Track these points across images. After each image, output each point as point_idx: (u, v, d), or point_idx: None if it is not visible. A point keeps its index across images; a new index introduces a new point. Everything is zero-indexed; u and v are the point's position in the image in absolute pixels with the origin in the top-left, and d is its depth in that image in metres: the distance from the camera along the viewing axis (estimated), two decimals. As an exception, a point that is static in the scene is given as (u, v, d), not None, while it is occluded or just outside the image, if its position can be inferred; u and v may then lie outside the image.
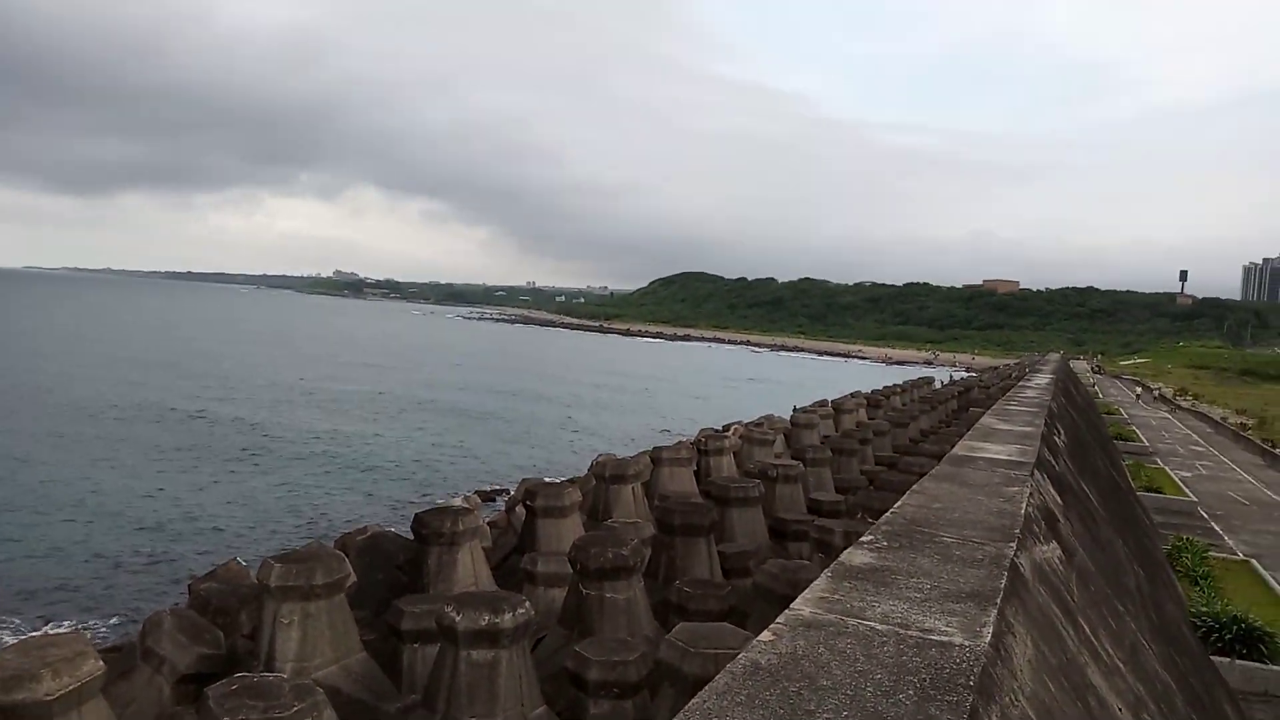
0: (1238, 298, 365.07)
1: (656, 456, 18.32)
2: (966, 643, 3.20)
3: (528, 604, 8.11)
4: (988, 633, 3.33)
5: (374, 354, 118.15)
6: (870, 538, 4.73)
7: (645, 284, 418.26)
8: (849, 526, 11.80)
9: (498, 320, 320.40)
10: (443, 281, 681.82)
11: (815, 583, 3.83)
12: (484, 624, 7.64)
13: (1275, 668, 14.92)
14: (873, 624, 3.33)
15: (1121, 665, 5.72)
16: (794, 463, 17.84)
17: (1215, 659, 14.70)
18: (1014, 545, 4.82)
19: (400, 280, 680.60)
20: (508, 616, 7.72)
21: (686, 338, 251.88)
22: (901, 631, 3.27)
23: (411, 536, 12.37)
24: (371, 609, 11.45)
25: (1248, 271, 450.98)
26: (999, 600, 3.76)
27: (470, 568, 11.58)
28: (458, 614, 7.70)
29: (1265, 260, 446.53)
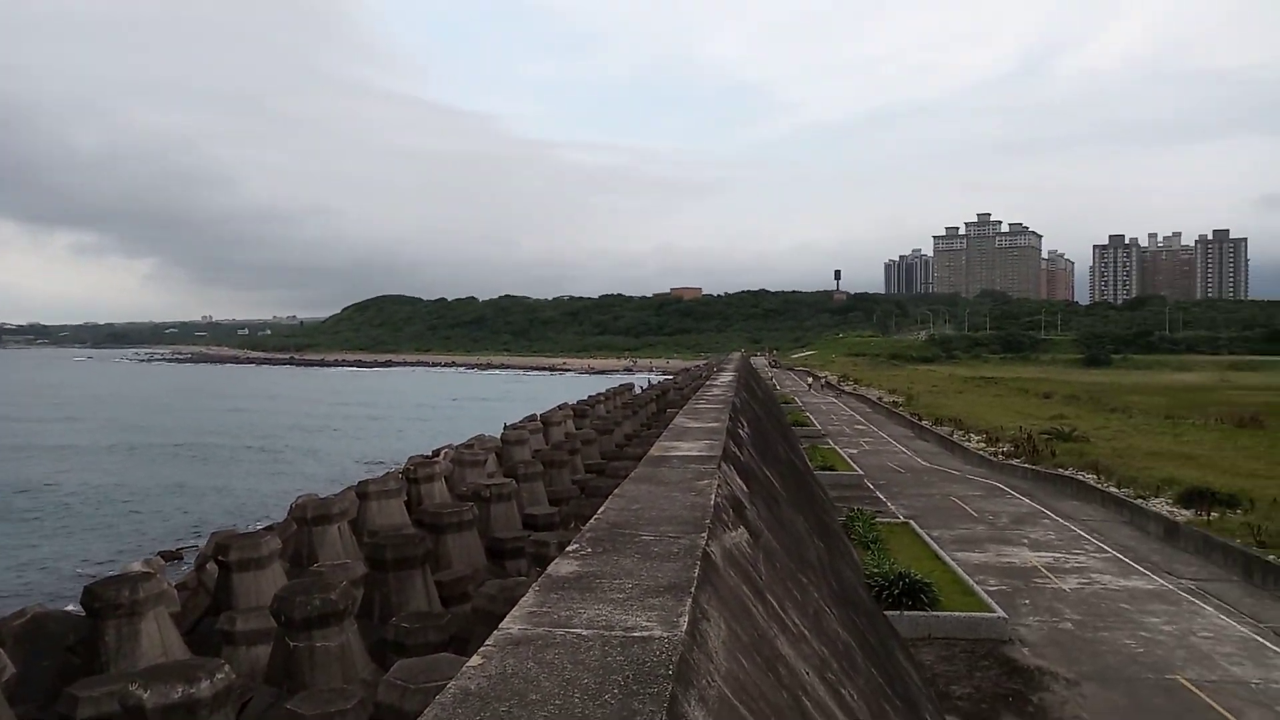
0: (883, 291, 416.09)
1: (363, 490, 17.64)
2: (665, 634, 3.42)
3: (227, 667, 7.51)
4: (684, 622, 3.58)
5: (26, 408, 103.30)
6: (575, 546, 4.90)
7: (339, 310, 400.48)
8: (563, 537, 12.06)
9: (171, 360, 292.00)
10: (101, 322, 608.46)
11: (523, 599, 3.91)
12: (178, 697, 6.97)
13: (934, 613, 17.16)
14: (579, 631, 3.46)
15: (807, 632, 6.34)
16: (506, 481, 17.92)
17: (887, 613, 16.64)
18: (705, 535, 5.20)
19: (48, 324, 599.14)
20: (205, 684, 7.09)
21: (389, 363, 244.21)
22: (607, 633, 3.43)
23: (83, 612, 10.99)
24: (38, 702, 10.03)
25: (888, 268, 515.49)
26: (693, 589, 4.05)
27: (157, 638, 10.48)
28: (145, 690, 6.95)
29: (901, 257, 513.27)
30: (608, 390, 51.38)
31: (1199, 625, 17.96)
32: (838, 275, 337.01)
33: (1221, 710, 13.84)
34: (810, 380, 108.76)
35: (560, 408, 38.40)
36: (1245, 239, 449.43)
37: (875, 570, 18.03)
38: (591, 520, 5.64)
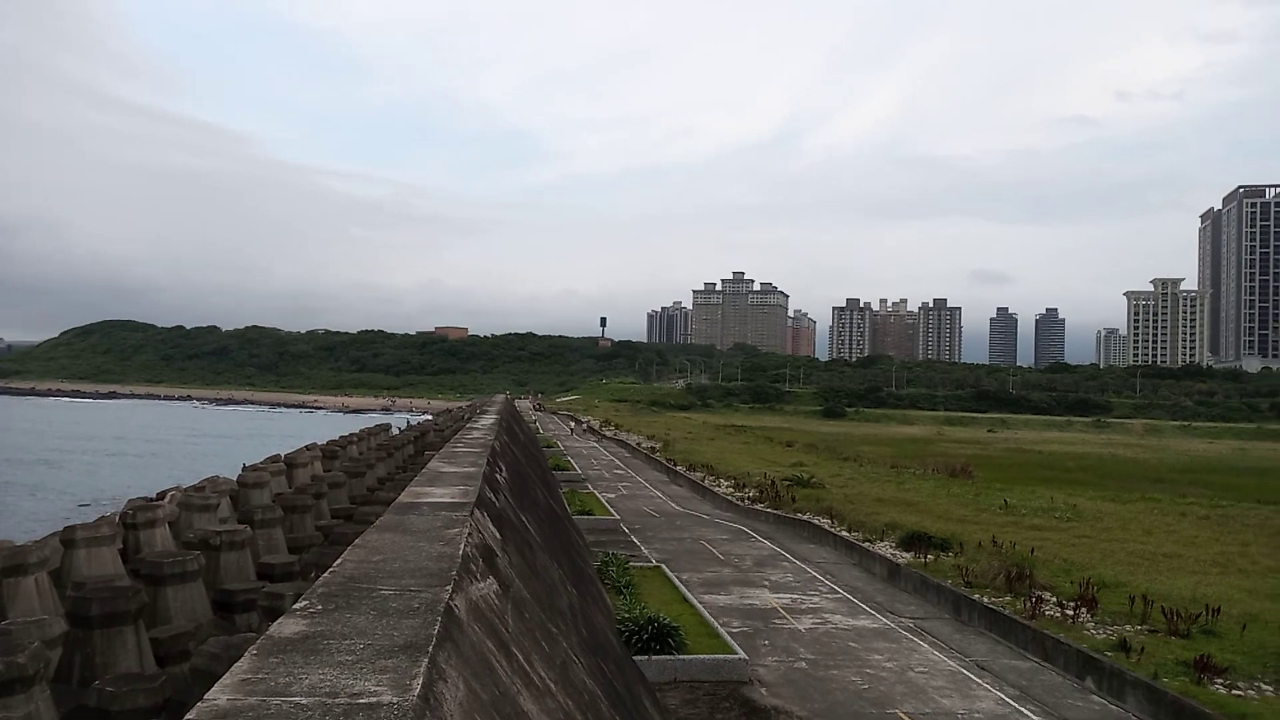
0: (645, 339, 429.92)
1: (69, 538, 15.66)
2: (395, 699, 3.18)
3: None
4: (418, 684, 3.36)
5: None
6: (304, 603, 4.53)
7: (56, 334, 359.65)
8: (300, 588, 11.25)
9: None
10: None
11: (237, 664, 3.53)
12: None
13: (680, 657, 17.57)
14: (299, 699, 3.15)
15: (553, 685, 6.22)
16: (240, 527, 16.55)
17: (637, 659, 16.83)
18: (450, 588, 4.97)
19: None
20: None
21: (114, 394, 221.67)
22: (329, 701, 3.14)
23: None
24: None
25: (651, 317, 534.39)
26: (431, 648, 3.83)
27: None
28: None
29: (663, 308, 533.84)
30: (362, 430, 49.21)
31: (916, 661, 19.55)
32: (603, 322, 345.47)
33: (932, 739, 15.05)
34: (573, 424, 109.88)
35: (308, 448, 36.22)
36: (960, 308, 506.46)
37: (626, 615, 18.24)
38: (325, 574, 5.25)
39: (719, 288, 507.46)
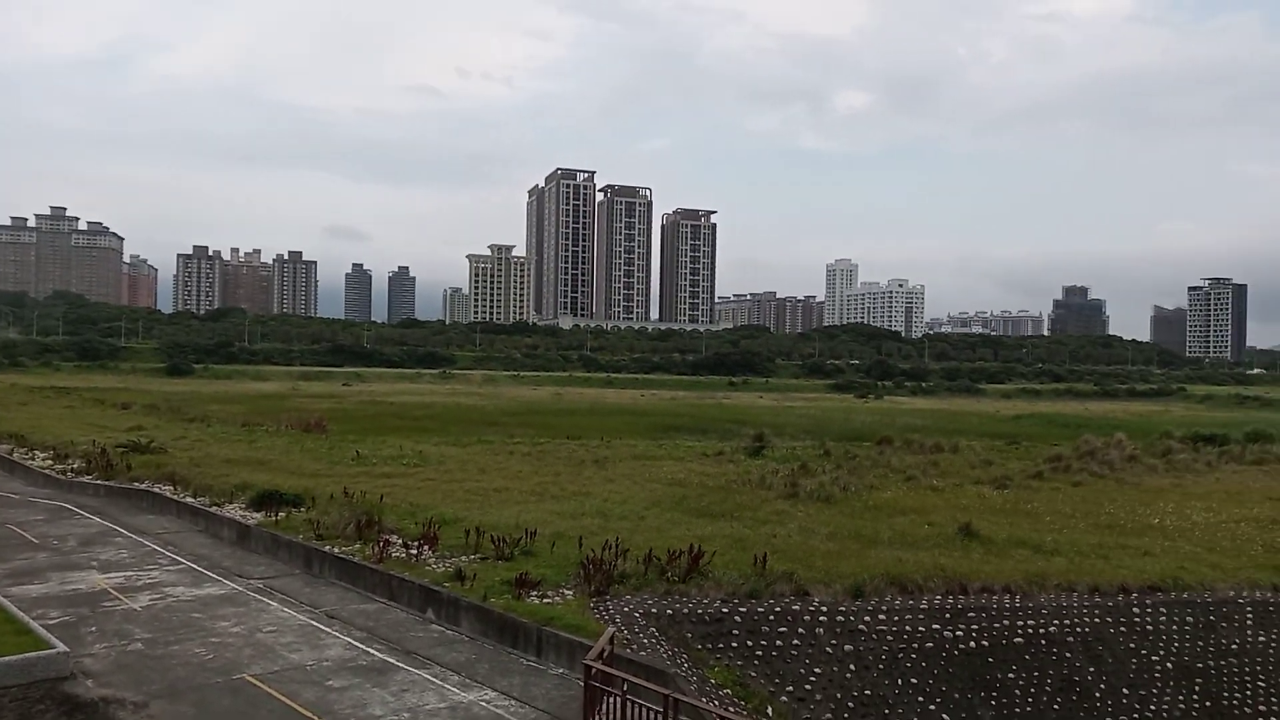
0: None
1: None
2: None
3: None
4: None
5: None
6: None
7: None
8: None
9: None
10: None
11: None
12: None
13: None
14: None
15: None
16: None
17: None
18: None
19: None
20: None
21: None
22: None
23: None
24: None
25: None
26: None
27: None
28: None
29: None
30: None
31: (265, 621, 19.17)
32: None
33: (282, 698, 14.94)
34: None
35: None
36: (315, 262, 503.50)
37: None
38: None
39: (32, 224, 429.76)
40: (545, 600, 18.95)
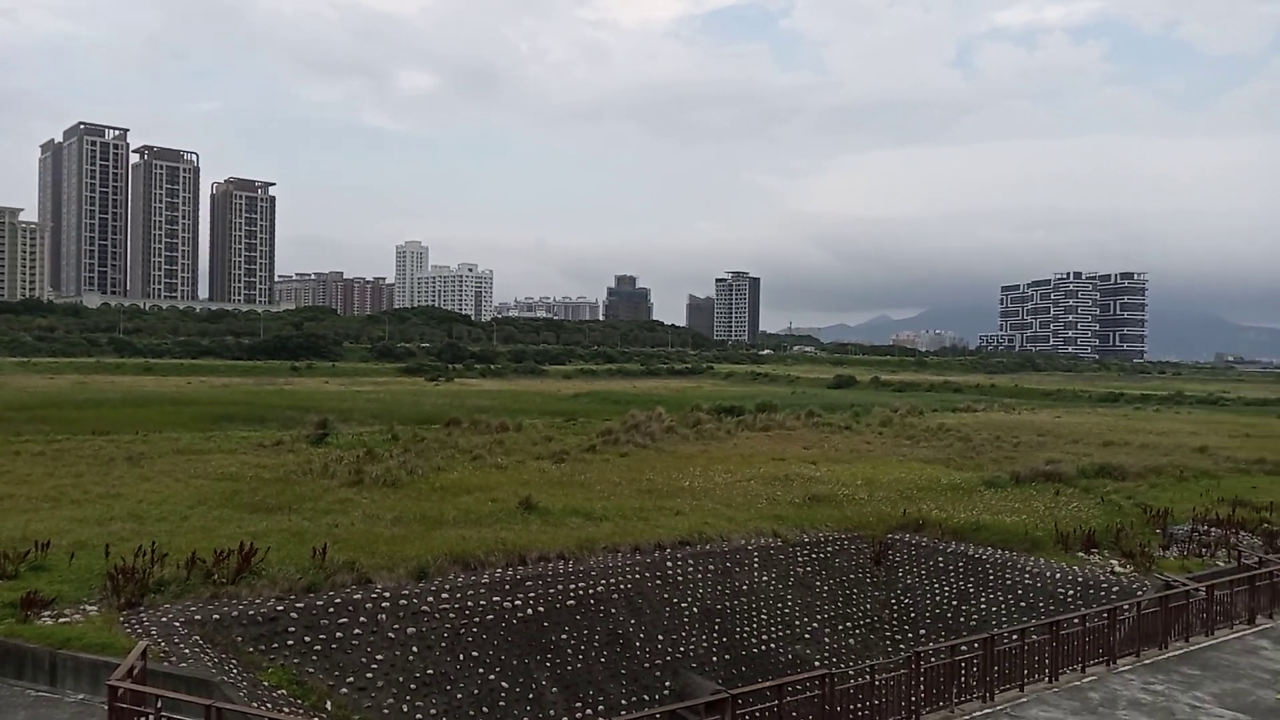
0: None
1: None
2: None
3: None
4: None
5: None
6: None
7: None
8: None
9: None
10: None
11: None
12: None
13: None
14: None
15: None
16: None
17: None
18: None
19: None
20: None
21: None
22: None
23: None
24: None
25: None
26: None
27: None
28: None
29: None
30: None
31: None
32: None
33: None
34: None
35: None
36: None
37: None
38: None
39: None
40: (62, 620, 16.52)
